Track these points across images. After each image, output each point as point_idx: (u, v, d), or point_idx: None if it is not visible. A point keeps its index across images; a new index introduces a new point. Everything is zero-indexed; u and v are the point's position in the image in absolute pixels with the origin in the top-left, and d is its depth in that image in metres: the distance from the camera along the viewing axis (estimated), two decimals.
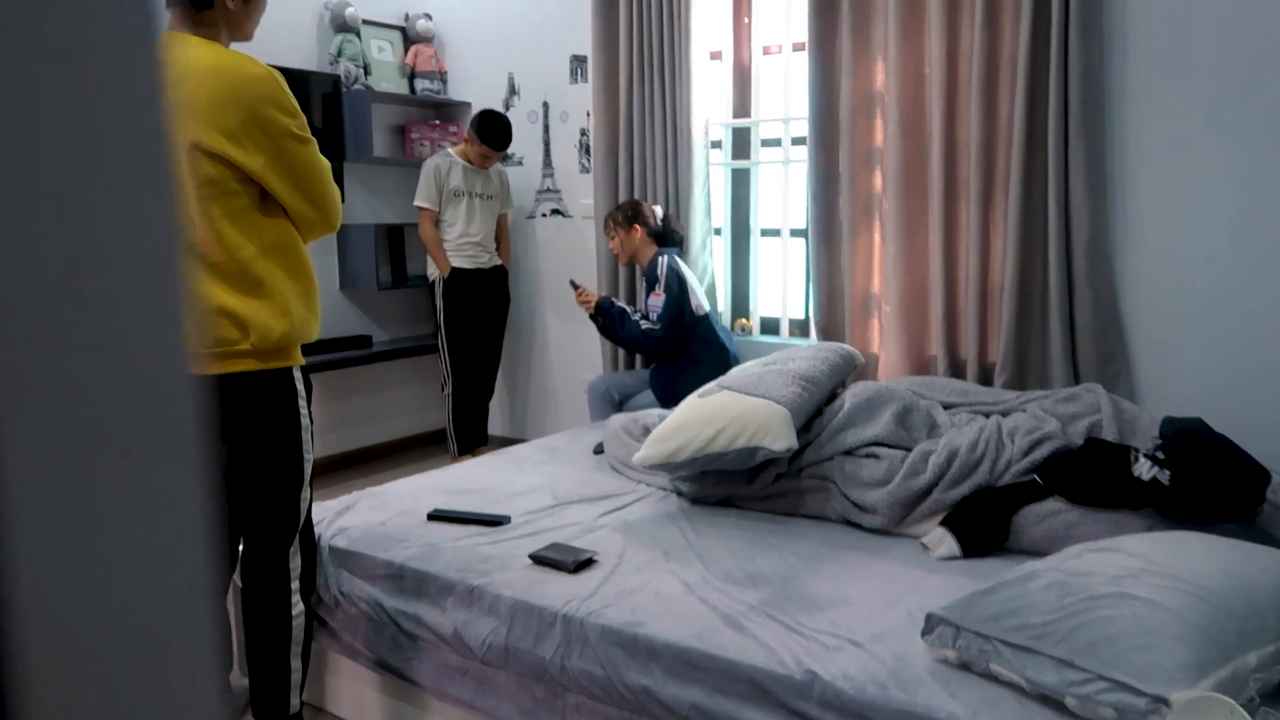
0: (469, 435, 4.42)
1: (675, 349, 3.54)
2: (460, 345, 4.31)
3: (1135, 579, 1.63)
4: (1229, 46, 2.97)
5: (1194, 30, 3.03)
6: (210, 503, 0.35)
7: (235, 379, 1.88)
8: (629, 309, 3.63)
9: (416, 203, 4.21)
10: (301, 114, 1.88)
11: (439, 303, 4.26)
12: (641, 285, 3.85)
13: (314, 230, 1.95)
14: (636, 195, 4.18)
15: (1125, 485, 2.17)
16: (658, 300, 3.53)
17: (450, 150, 4.28)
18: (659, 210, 3.83)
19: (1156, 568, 1.67)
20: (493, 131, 4.14)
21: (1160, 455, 2.19)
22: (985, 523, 2.24)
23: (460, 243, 4.25)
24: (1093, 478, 2.22)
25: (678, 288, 3.55)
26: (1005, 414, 2.71)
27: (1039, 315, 3.31)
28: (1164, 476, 2.13)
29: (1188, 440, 2.23)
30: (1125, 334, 3.22)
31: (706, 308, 3.66)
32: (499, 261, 4.39)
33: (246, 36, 1.95)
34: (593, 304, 3.62)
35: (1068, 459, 2.32)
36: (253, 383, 1.90)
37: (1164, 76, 3.09)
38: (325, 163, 1.93)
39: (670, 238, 3.78)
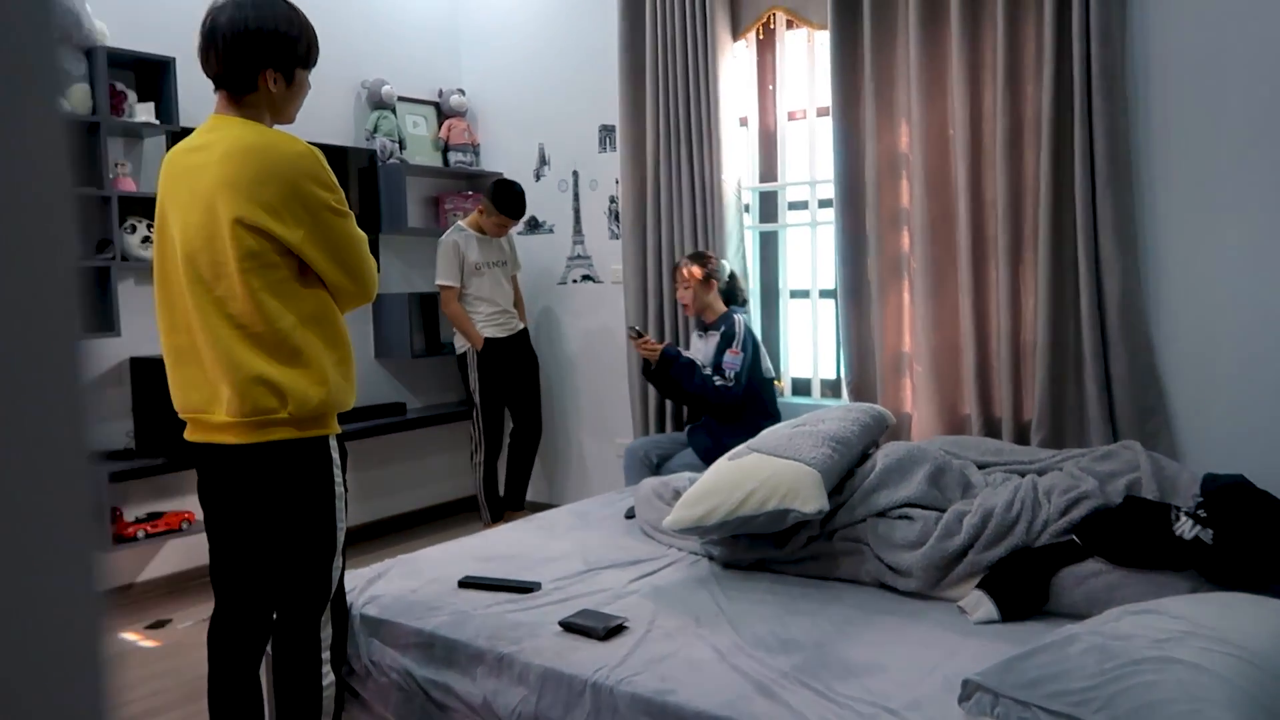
0: (501, 501, 4.43)
1: (737, 409, 3.54)
2: (494, 413, 4.35)
3: (1179, 642, 1.58)
4: (1255, 100, 2.97)
5: (1219, 84, 3.03)
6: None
7: (272, 448, 1.91)
8: (696, 361, 3.64)
9: (439, 281, 4.28)
10: (339, 189, 1.94)
11: (472, 374, 4.30)
12: (693, 338, 3.85)
13: (351, 301, 1.99)
14: (665, 259, 4.22)
15: (1167, 545, 2.12)
16: (735, 358, 3.54)
17: (462, 224, 4.34)
18: (727, 265, 3.85)
19: (1201, 630, 1.62)
20: (509, 202, 4.23)
21: (1202, 514, 2.14)
22: (1023, 585, 2.19)
23: (491, 314, 4.32)
24: (1133, 537, 2.17)
25: (752, 348, 3.60)
26: (1041, 473, 2.67)
27: (1074, 372, 3.28)
28: (1207, 536, 2.08)
29: (1230, 497, 2.18)
30: (1163, 390, 3.17)
31: (773, 375, 3.73)
32: (522, 325, 4.46)
33: (289, 119, 2.03)
34: (658, 352, 3.62)
35: (1106, 518, 2.27)
36: (289, 451, 1.92)
37: (1190, 131, 3.09)
38: (362, 235, 1.98)
39: (734, 295, 3.80)
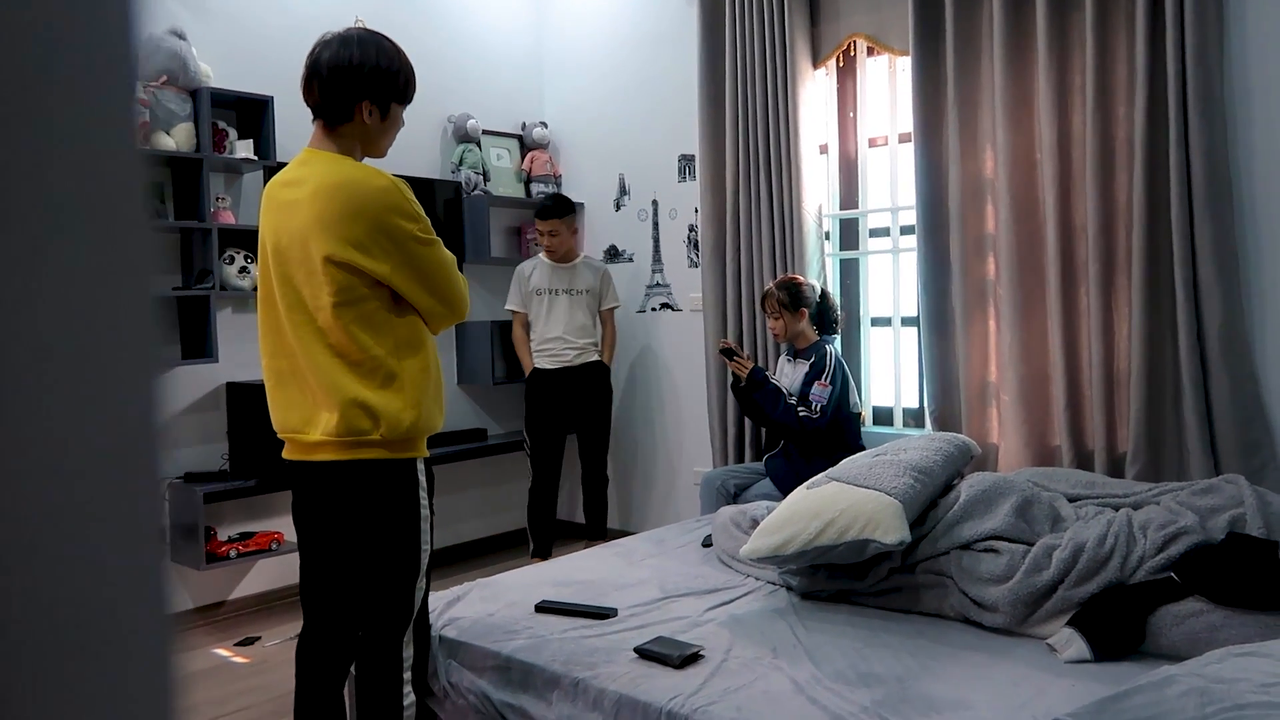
0: (550, 533, 4.38)
1: (819, 440, 3.49)
2: (541, 443, 4.30)
3: None
4: None
5: None
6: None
7: (363, 466, 1.96)
8: (783, 387, 3.62)
9: (506, 306, 4.39)
10: (425, 217, 1.99)
11: (526, 402, 4.36)
12: (782, 361, 3.79)
13: (442, 322, 2.05)
14: (745, 287, 4.21)
15: (1274, 584, 2.00)
16: (823, 390, 3.47)
17: (542, 254, 4.40)
18: (817, 286, 3.79)
19: None
20: (538, 207, 4.28)
21: None
22: (1117, 623, 2.09)
23: (540, 342, 4.29)
24: (1237, 575, 2.06)
25: (842, 383, 3.53)
26: (1136, 507, 2.57)
27: (1172, 403, 3.15)
28: None
29: None
30: (1270, 422, 3.02)
31: (859, 409, 3.68)
32: (595, 358, 4.34)
33: (380, 153, 2.09)
34: (747, 371, 3.60)
35: (1208, 555, 2.17)
36: (379, 471, 1.97)
37: None
38: (450, 257, 2.03)
39: (827, 316, 3.73)
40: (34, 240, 0.34)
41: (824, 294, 3.77)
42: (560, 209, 4.25)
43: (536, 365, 4.29)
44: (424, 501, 2.05)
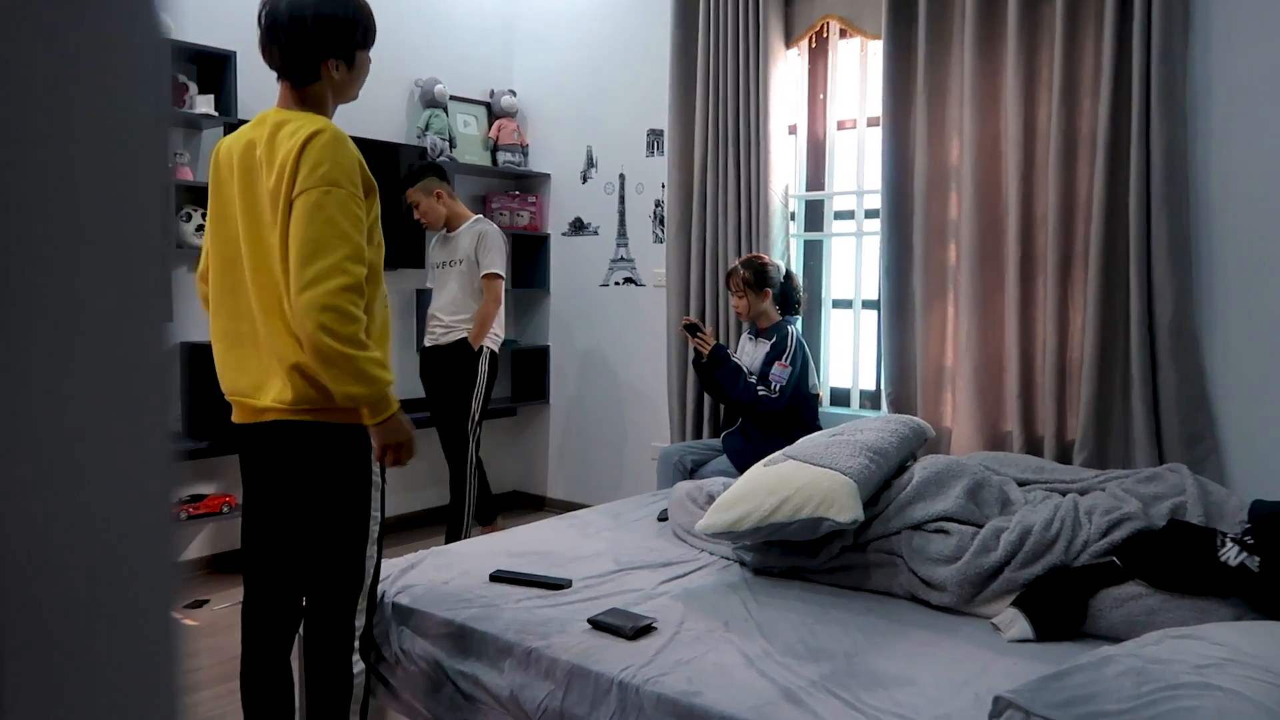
0: (485, 503, 4.12)
1: (777, 419, 3.51)
2: (439, 424, 4.03)
3: (1219, 669, 1.54)
4: None
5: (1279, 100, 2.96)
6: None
7: (312, 428, 1.93)
8: (743, 365, 3.62)
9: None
10: (365, 200, 1.88)
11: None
12: (744, 339, 3.79)
13: (296, 295, 1.82)
14: (708, 264, 4.21)
15: (1211, 571, 2.06)
16: (783, 371, 3.49)
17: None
18: (782, 266, 3.79)
19: (1243, 658, 1.58)
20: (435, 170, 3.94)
21: (1249, 540, 2.09)
22: (1060, 605, 2.15)
23: (428, 320, 4.02)
24: (1176, 562, 2.12)
25: (801, 364, 3.55)
26: (1083, 493, 2.62)
27: (1120, 393, 3.22)
28: (1253, 563, 2.03)
29: (1278, 524, 2.12)
30: (1214, 415, 3.10)
31: (818, 390, 3.70)
32: (463, 335, 3.91)
33: (352, 98, 2.05)
34: (709, 348, 3.59)
35: (1149, 541, 2.22)
36: (328, 434, 1.95)
37: (1251, 153, 3.02)
38: (352, 236, 1.86)
39: (791, 297, 3.72)
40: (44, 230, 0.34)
41: (789, 275, 3.78)
42: (411, 178, 3.92)
43: (424, 344, 4.03)
44: (375, 468, 2.03)
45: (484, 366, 3.96)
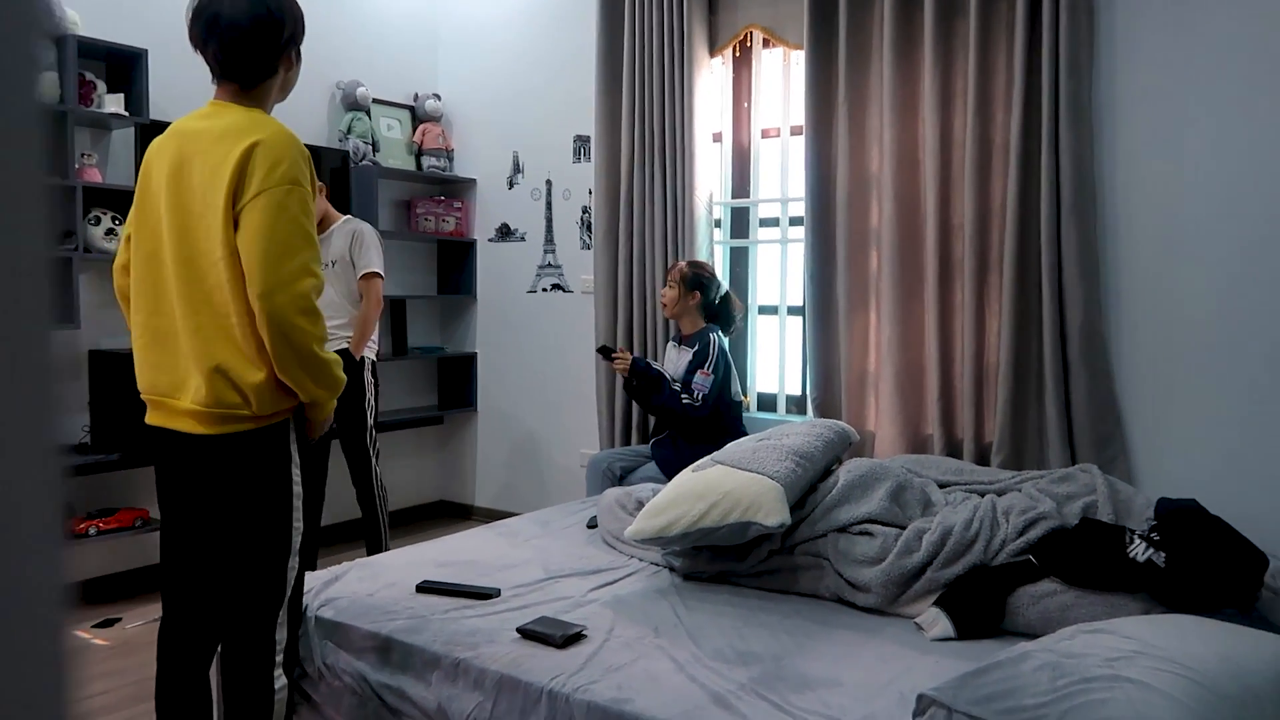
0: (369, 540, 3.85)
1: (703, 427, 3.52)
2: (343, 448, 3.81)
3: (1129, 661, 1.61)
4: (1220, 132, 3.04)
5: (1184, 115, 3.10)
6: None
7: (229, 440, 1.88)
8: (666, 375, 3.62)
9: None
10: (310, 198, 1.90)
11: None
12: (669, 347, 3.80)
13: (262, 302, 1.82)
14: (636, 270, 4.22)
15: (1121, 567, 2.15)
16: (705, 379, 3.48)
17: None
18: (723, 286, 3.79)
19: (1151, 650, 1.64)
20: None
21: (1155, 537, 2.18)
22: (980, 603, 2.21)
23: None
24: (1088, 559, 2.20)
25: (724, 371, 3.55)
26: (1000, 493, 2.70)
27: (1035, 396, 3.32)
28: (1159, 559, 2.11)
29: (1182, 522, 2.22)
30: (1122, 416, 3.23)
31: (741, 397, 3.72)
32: (342, 344, 3.60)
33: (285, 97, 2.05)
34: (628, 363, 3.56)
35: (1063, 539, 2.30)
36: (247, 443, 1.90)
37: (1154, 163, 3.16)
38: (307, 248, 1.87)
39: (722, 315, 3.70)
40: None
41: (729, 296, 3.77)
42: None
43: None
44: (295, 477, 1.98)
45: (369, 378, 3.70)
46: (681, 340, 3.72)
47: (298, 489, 1.98)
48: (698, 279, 3.64)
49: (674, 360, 3.72)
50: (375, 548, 3.80)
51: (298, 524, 1.99)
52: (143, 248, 1.94)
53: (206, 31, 1.89)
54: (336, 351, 3.62)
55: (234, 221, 1.81)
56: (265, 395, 1.87)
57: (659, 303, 3.85)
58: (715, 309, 3.71)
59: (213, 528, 1.97)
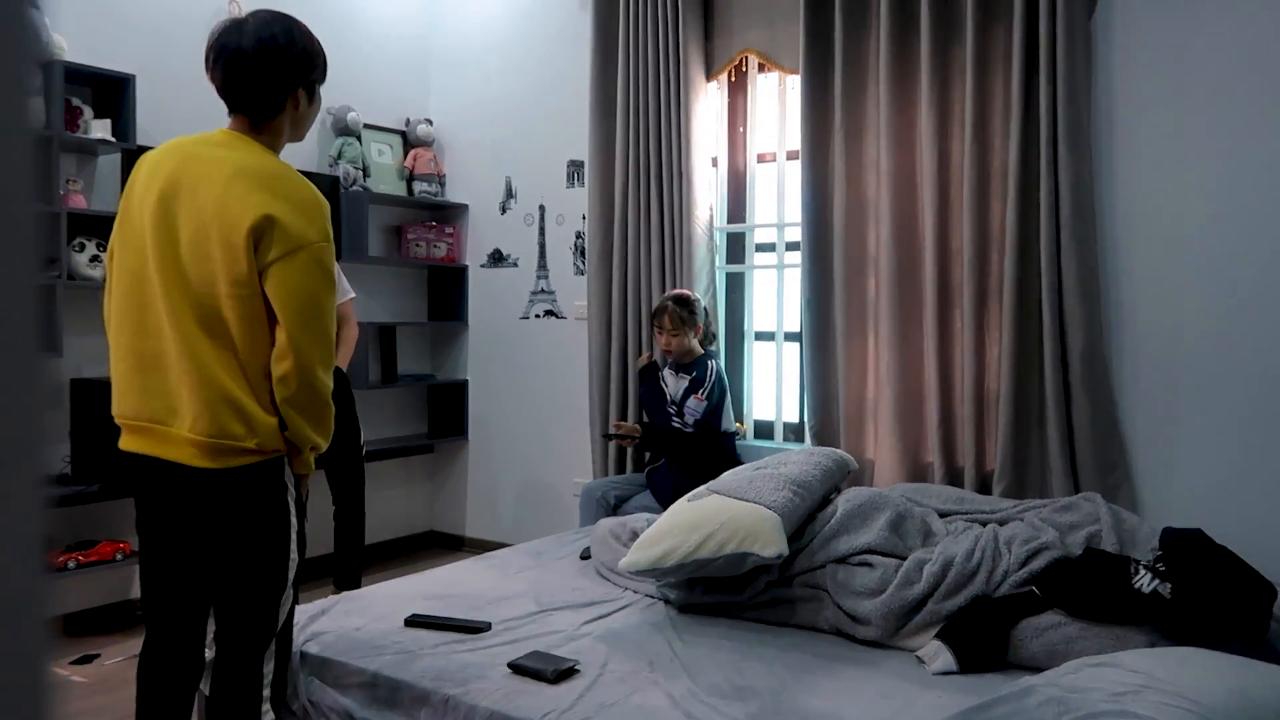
0: (341, 575, 3.83)
1: (697, 457, 3.53)
2: (328, 474, 3.84)
3: (1136, 696, 1.60)
4: (1222, 154, 3.07)
5: (1184, 137, 3.13)
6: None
7: (231, 474, 1.87)
8: (665, 418, 3.68)
9: None
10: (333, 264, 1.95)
11: None
12: (665, 372, 3.80)
13: (302, 356, 1.91)
14: (630, 297, 4.22)
15: (1126, 598, 2.14)
16: (698, 404, 3.58)
17: None
18: (703, 301, 3.88)
19: (1158, 684, 1.63)
20: None
21: (1160, 567, 2.17)
22: (983, 636, 2.19)
23: None
24: (1092, 590, 2.19)
25: (718, 398, 3.63)
26: (1002, 523, 2.70)
27: (1037, 423, 3.32)
28: (1165, 590, 2.10)
29: (1188, 551, 2.22)
30: (1125, 443, 3.22)
31: (736, 426, 3.78)
32: (339, 364, 3.71)
33: (302, 137, 2.06)
34: (638, 437, 3.71)
35: (1066, 570, 2.29)
36: (245, 477, 1.88)
37: (1155, 187, 3.18)
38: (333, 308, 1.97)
39: (705, 330, 3.81)
40: None
41: (705, 309, 3.85)
42: None
43: None
44: (293, 509, 1.97)
45: (351, 393, 3.85)
46: (679, 367, 3.74)
47: (295, 521, 1.97)
48: (693, 314, 3.69)
49: (672, 385, 3.76)
50: (352, 582, 3.75)
51: (294, 556, 1.98)
52: (127, 264, 1.92)
53: (216, 57, 1.91)
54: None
55: (259, 272, 1.82)
56: (272, 430, 1.87)
57: (659, 350, 3.85)
58: (704, 329, 3.79)
59: (205, 560, 1.95)
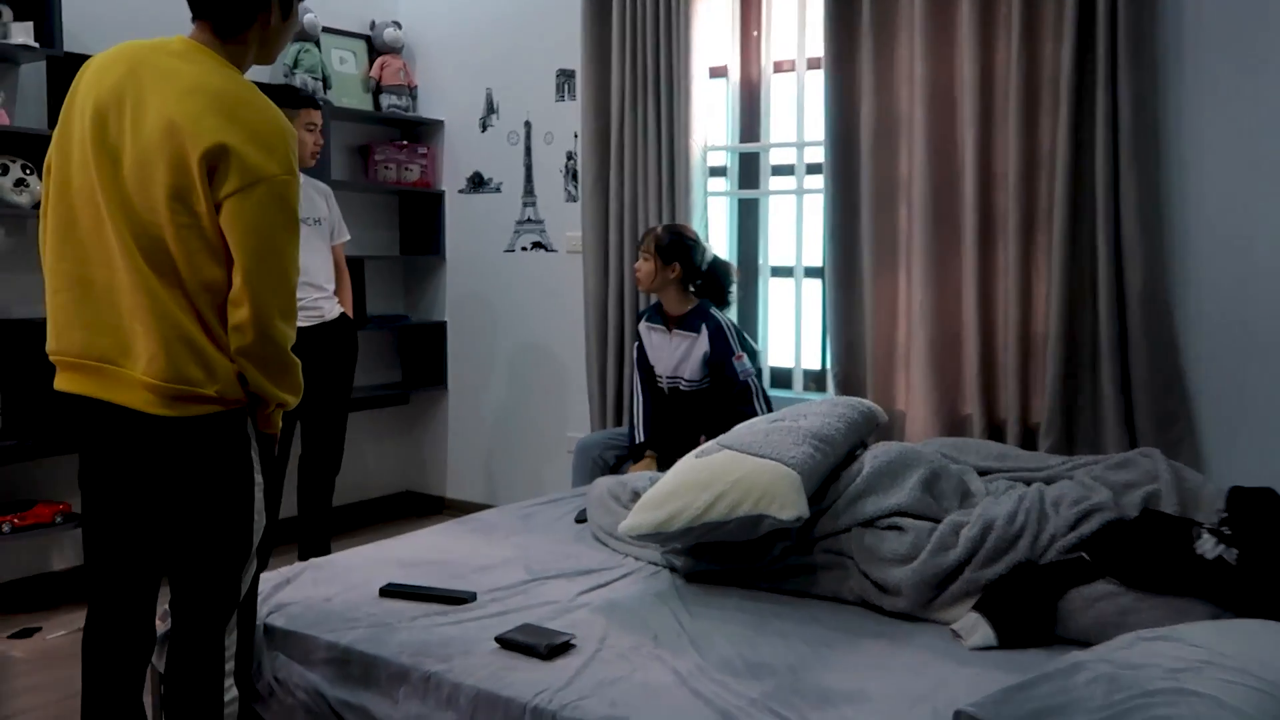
0: (303, 543, 3.84)
1: (711, 409, 3.47)
2: (299, 429, 3.83)
3: (1196, 673, 1.61)
4: None
5: (1258, 48, 3.08)
6: None
7: (189, 424, 1.87)
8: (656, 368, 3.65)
9: None
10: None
11: None
12: (652, 335, 3.70)
13: (248, 306, 1.90)
14: (628, 226, 4.19)
15: (1187, 565, 2.16)
16: (741, 364, 3.47)
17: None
18: (710, 253, 3.70)
19: (1221, 660, 1.65)
20: (285, 94, 3.59)
21: (1226, 531, 2.19)
22: (1025, 607, 2.22)
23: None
24: (1149, 556, 2.21)
25: (747, 344, 3.55)
26: (1049, 481, 2.71)
27: (1089, 371, 3.33)
28: (1230, 555, 2.12)
29: (1258, 513, 2.23)
30: (1188, 393, 3.23)
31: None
32: (339, 311, 3.83)
33: (272, 59, 2.05)
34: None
35: (1120, 534, 2.31)
36: (205, 428, 1.89)
37: (1228, 102, 3.14)
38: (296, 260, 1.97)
39: (720, 285, 3.65)
40: None
41: (717, 262, 3.71)
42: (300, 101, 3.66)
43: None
44: (257, 465, 1.98)
45: (355, 343, 3.97)
46: (670, 324, 3.63)
47: (259, 478, 1.98)
48: (676, 246, 3.55)
49: (661, 348, 3.64)
50: (320, 549, 3.76)
51: (259, 518, 1.99)
52: (68, 181, 1.90)
53: None
54: (336, 319, 3.77)
55: (216, 206, 1.82)
56: (232, 376, 1.89)
57: (634, 276, 3.77)
58: (703, 279, 3.63)
59: (160, 521, 1.96)
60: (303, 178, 3.68)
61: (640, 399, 3.74)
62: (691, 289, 3.63)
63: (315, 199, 3.79)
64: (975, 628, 2.22)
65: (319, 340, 3.64)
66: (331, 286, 3.83)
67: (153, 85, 1.84)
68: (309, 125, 3.64)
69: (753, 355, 3.57)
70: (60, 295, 1.92)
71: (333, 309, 3.79)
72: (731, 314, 3.73)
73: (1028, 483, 2.73)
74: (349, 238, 4.00)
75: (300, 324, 3.53)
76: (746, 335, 3.68)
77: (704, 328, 3.53)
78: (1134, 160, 3.18)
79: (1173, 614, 2.09)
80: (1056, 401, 3.31)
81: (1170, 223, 3.24)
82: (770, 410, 3.42)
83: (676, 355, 3.60)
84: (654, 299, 3.79)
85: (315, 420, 3.82)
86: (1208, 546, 2.16)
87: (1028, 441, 3.41)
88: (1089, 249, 3.29)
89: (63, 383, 1.94)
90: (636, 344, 3.79)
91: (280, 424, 2.04)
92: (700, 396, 3.58)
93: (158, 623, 2.13)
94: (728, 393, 3.49)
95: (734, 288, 3.75)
